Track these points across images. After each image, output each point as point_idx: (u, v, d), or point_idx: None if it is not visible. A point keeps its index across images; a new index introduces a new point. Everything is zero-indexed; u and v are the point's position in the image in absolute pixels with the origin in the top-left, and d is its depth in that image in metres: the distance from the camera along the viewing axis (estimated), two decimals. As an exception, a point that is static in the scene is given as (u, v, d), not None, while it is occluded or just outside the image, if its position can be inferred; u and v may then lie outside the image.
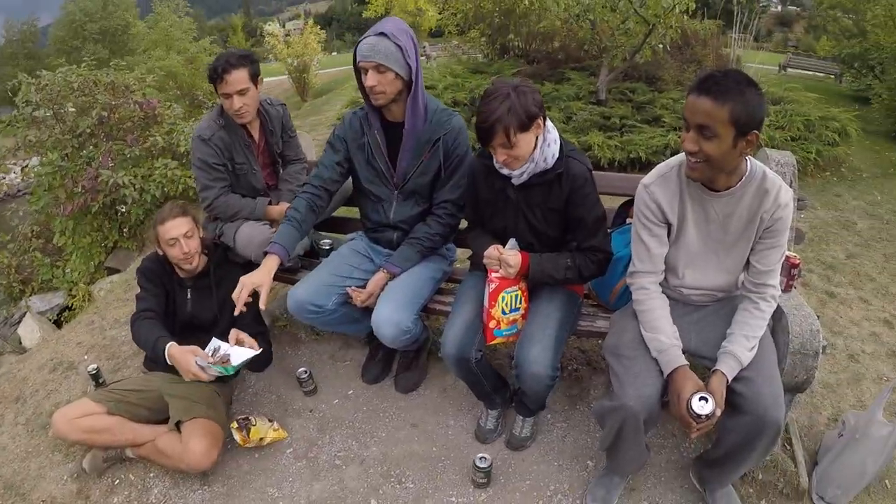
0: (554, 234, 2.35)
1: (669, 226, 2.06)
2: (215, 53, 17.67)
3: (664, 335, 2.00)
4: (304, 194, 2.65)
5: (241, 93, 2.75)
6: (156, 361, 2.54)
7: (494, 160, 2.22)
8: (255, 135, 3.02)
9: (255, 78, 2.80)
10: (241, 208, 2.98)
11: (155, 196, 5.24)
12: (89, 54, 8.47)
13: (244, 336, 2.59)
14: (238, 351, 2.52)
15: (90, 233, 5.49)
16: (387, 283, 2.64)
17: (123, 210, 5.37)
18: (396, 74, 2.35)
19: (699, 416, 1.79)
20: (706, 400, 1.80)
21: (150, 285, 2.69)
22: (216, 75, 2.71)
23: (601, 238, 2.31)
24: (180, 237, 2.59)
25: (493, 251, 2.27)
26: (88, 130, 5.33)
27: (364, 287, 2.65)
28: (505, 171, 2.24)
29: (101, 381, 2.97)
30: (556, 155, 2.21)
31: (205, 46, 17.55)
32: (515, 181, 2.25)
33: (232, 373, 2.48)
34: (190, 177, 5.45)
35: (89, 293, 5.04)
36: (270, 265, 2.47)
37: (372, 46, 2.30)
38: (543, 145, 2.16)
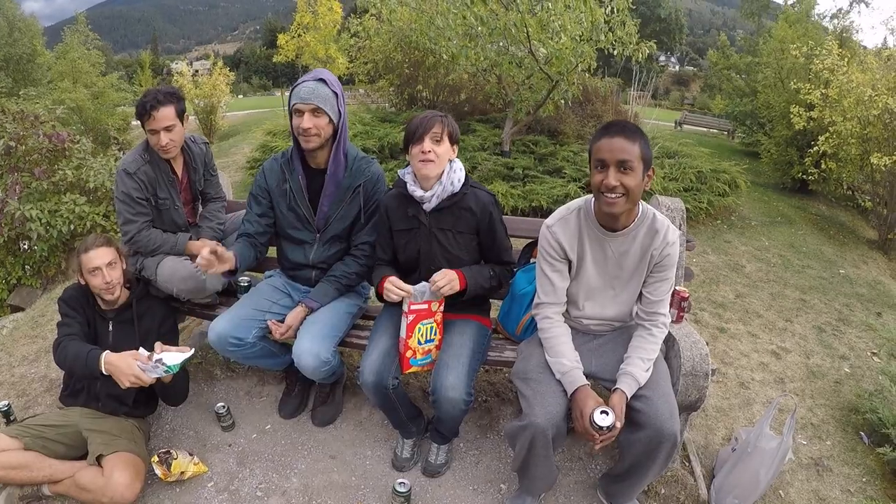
0: (465, 258, 2.56)
1: (570, 262, 2.28)
2: (123, 89, 17.22)
3: (566, 359, 2.19)
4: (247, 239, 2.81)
5: (168, 129, 2.80)
6: (88, 376, 2.49)
7: (409, 182, 2.48)
8: (179, 171, 3.06)
9: (181, 115, 2.87)
10: (163, 243, 2.99)
11: (62, 232, 5.09)
12: (-6, 81, 8.10)
13: (170, 347, 2.56)
14: (171, 354, 2.48)
15: (-8, 268, 5.25)
16: (305, 318, 2.74)
17: (27, 246, 5.19)
18: (329, 119, 2.53)
19: (601, 427, 1.98)
20: (607, 413, 1.99)
21: (73, 312, 2.66)
22: (144, 111, 2.76)
23: (510, 254, 2.66)
24: (103, 266, 2.61)
25: (400, 289, 2.42)
26: (-6, 161, 5.16)
27: (283, 321, 2.73)
28: (418, 194, 2.45)
29: (12, 418, 2.87)
30: (462, 181, 2.48)
31: (112, 82, 17.01)
32: (427, 206, 2.48)
33: (176, 370, 2.45)
34: (98, 213, 5.33)
35: (-9, 332, 4.81)
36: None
37: (312, 90, 2.48)
38: (450, 172, 2.45)
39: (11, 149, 5.33)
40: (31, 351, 3.76)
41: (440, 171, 2.42)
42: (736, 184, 8.10)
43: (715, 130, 23.09)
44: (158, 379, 2.47)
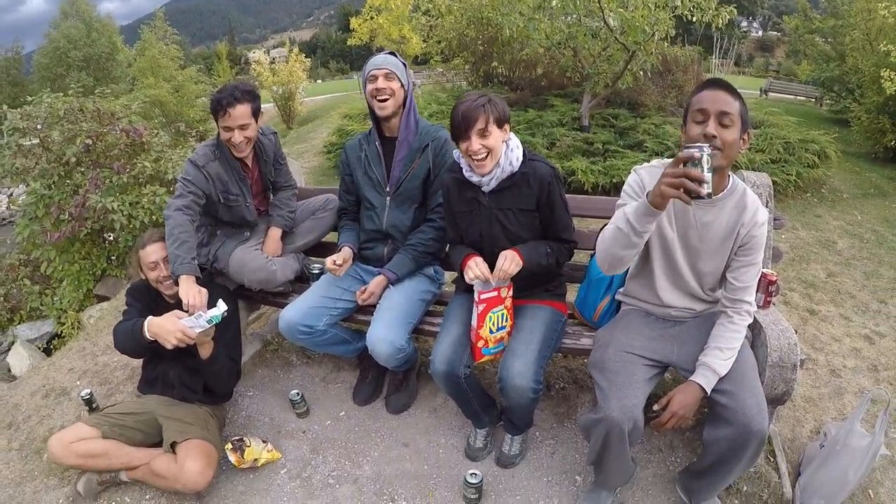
0: (527, 237, 2.45)
1: None
2: (202, 82, 17.81)
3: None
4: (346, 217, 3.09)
5: (243, 127, 2.80)
6: (137, 350, 2.59)
7: (464, 167, 2.40)
8: (250, 164, 3.07)
9: (256, 113, 2.86)
10: (171, 233, 2.72)
11: (144, 223, 5.24)
12: (74, 81, 8.37)
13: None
14: (210, 310, 2.50)
15: (78, 260, 5.45)
16: (386, 287, 2.79)
17: (111, 237, 5.37)
18: (401, 84, 2.71)
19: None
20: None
21: (135, 302, 2.77)
22: (220, 108, 2.75)
23: (571, 230, 2.52)
24: (160, 261, 2.72)
25: (481, 270, 2.33)
26: (74, 158, 5.30)
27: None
28: (475, 179, 2.38)
29: (94, 405, 2.99)
30: (521, 158, 2.38)
31: (191, 75, 17.64)
32: (486, 188, 2.39)
33: (218, 321, 2.49)
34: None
35: (79, 320, 5.02)
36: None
37: (385, 58, 2.72)
38: (507, 151, 2.34)
39: (90, 146, 5.46)
40: (115, 340, 3.88)
41: (496, 160, 2.31)
42: (826, 154, 7.59)
43: (802, 98, 21.87)
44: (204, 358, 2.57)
